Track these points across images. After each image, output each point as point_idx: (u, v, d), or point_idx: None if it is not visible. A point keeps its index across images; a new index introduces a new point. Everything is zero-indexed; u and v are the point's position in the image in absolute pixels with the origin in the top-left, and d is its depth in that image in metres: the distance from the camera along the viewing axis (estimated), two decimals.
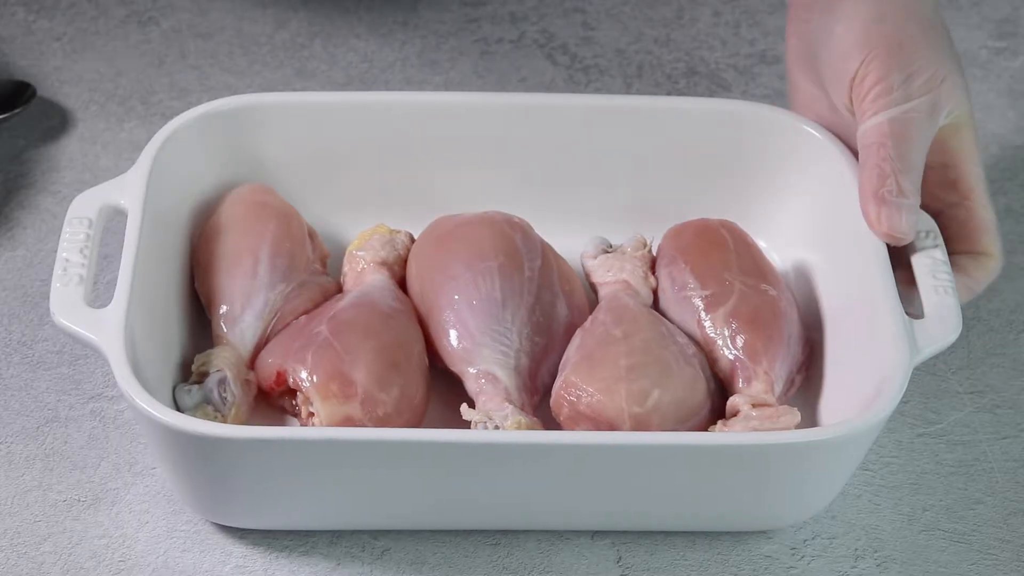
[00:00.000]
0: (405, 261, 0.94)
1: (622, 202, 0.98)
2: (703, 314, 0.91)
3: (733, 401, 0.87)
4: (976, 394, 0.95)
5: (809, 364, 0.92)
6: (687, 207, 0.97)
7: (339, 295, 0.92)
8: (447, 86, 1.12)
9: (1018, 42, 1.18)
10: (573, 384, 0.86)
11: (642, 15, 1.18)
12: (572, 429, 0.86)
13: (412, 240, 0.94)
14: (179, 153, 0.92)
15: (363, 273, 0.93)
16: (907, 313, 0.85)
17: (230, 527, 0.86)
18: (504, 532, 0.87)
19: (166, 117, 1.05)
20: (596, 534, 0.87)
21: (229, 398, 0.86)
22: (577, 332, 0.90)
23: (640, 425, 0.84)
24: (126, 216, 0.87)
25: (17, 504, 0.87)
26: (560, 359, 0.89)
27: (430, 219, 0.95)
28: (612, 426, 0.84)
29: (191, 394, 0.86)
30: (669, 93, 1.12)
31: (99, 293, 0.96)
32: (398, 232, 0.94)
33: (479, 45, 1.15)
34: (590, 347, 0.88)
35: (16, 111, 1.06)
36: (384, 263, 0.93)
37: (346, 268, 0.94)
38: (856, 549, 0.87)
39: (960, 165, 0.89)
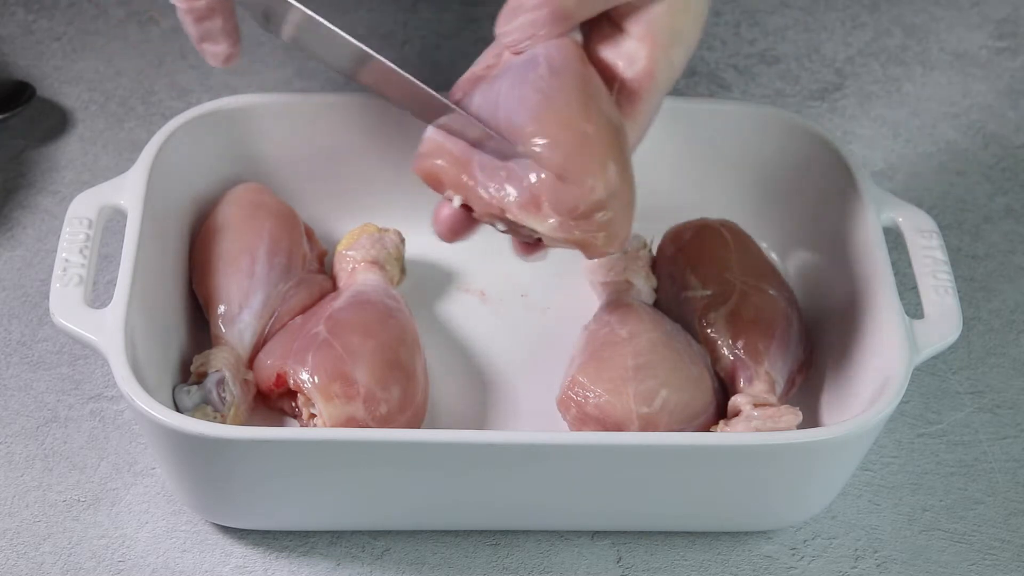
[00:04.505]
0: (396, 259, 0.94)
1: None
2: (704, 314, 0.91)
3: (735, 401, 0.87)
4: (976, 394, 0.95)
5: (810, 364, 0.92)
6: (687, 207, 0.97)
7: (332, 295, 0.92)
8: (447, 86, 1.11)
9: (1018, 42, 1.18)
10: (580, 384, 0.86)
11: None
12: (579, 429, 0.86)
13: (401, 238, 0.95)
14: (179, 153, 0.92)
15: (354, 272, 0.93)
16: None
17: (230, 527, 0.86)
18: (504, 532, 0.87)
19: (166, 117, 1.05)
20: (596, 534, 0.87)
21: (228, 398, 0.86)
22: (582, 332, 0.90)
23: (648, 425, 0.84)
24: (126, 216, 0.87)
25: (17, 504, 0.87)
26: None
27: (430, 219, 0.95)
28: (619, 426, 0.85)
29: (190, 394, 0.86)
30: (669, 93, 1.12)
31: (99, 293, 0.96)
32: (387, 231, 0.95)
33: (479, 45, 1.15)
34: (596, 347, 0.88)
35: (16, 111, 1.06)
36: (375, 262, 0.93)
37: (337, 268, 0.94)
38: (856, 549, 0.87)
39: (648, 47, 0.81)
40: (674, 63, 0.82)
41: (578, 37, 0.82)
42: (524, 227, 0.79)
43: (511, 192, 0.78)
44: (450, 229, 0.82)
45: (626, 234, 0.79)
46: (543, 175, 0.77)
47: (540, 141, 0.78)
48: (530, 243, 0.82)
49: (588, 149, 0.78)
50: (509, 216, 0.78)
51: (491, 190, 0.79)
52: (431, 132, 0.83)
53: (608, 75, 0.81)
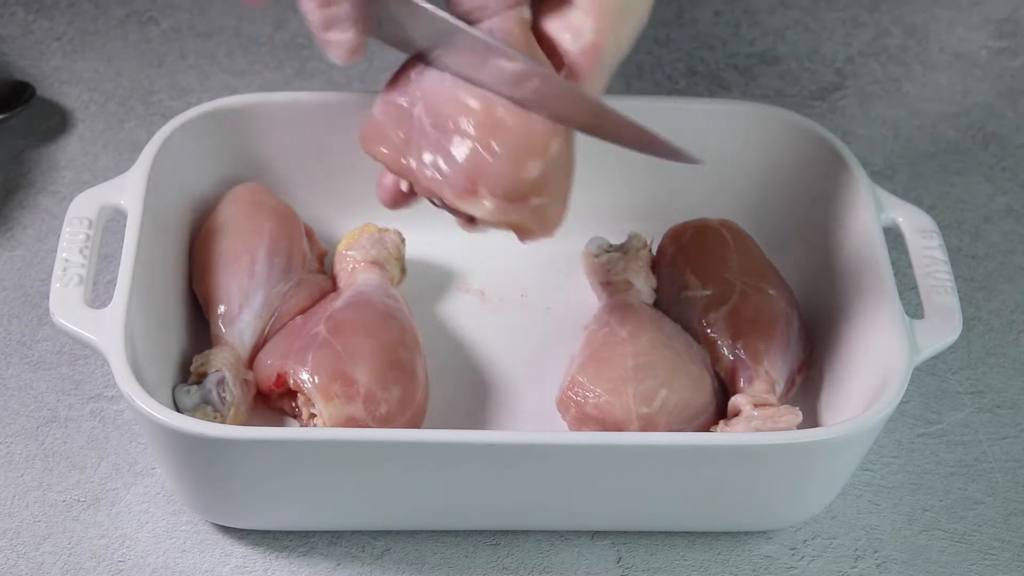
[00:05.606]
0: (396, 259, 0.94)
1: (622, 202, 0.98)
2: (704, 314, 0.91)
3: (735, 401, 0.87)
4: (976, 394, 0.95)
5: (810, 364, 0.92)
6: (687, 207, 0.97)
7: (333, 295, 0.92)
8: None
9: (1018, 42, 1.18)
10: (580, 384, 0.86)
11: None
12: (578, 429, 0.86)
13: (401, 238, 0.95)
14: (179, 153, 0.92)
15: (354, 272, 0.93)
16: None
17: (230, 527, 0.86)
18: (504, 532, 0.87)
19: (166, 117, 1.05)
20: (596, 534, 0.87)
21: (228, 398, 0.86)
22: (582, 332, 0.90)
23: (648, 425, 0.84)
24: (126, 216, 0.87)
25: (17, 504, 0.87)
26: None
27: (429, 219, 0.95)
28: (619, 426, 0.85)
29: (190, 394, 0.86)
30: (669, 93, 1.12)
31: (99, 293, 0.96)
32: (387, 230, 0.95)
33: None
34: (596, 347, 0.88)
35: (16, 111, 1.06)
36: (375, 262, 0.93)
37: (337, 268, 0.94)
38: (856, 549, 0.87)
39: (594, 20, 0.79)
40: (621, 39, 0.81)
41: (527, 14, 0.80)
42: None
43: (446, 175, 0.78)
44: (391, 199, 0.84)
45: (559, 220, 0.80)
46: (481, 155, 0.77)
47: (483, 121, 0.77)
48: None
49: (529, 132, 0.77)
50: (446, 201, 0.79)
51: (428, 174, 0.79)
52: (376, 110, 0.82)
53: (555, 49, 0.81)
